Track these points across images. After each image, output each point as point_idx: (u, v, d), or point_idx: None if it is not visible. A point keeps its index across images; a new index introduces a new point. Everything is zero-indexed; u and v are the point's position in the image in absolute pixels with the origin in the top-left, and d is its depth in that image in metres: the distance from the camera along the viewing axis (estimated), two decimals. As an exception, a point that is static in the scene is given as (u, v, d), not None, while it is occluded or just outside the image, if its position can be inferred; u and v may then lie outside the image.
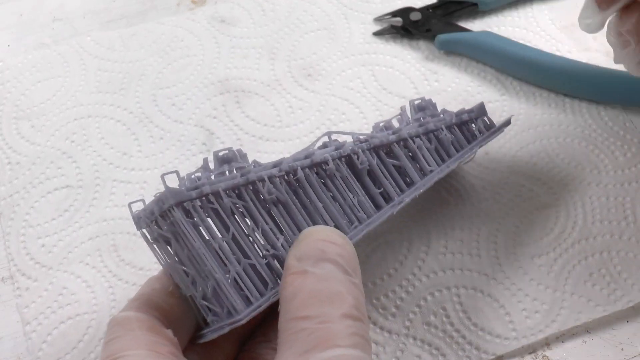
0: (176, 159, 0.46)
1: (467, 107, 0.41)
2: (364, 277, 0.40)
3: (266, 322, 0.33)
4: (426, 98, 0.40)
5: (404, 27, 0.51)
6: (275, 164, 0.32)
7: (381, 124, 0.39)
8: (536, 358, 0.37)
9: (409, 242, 0.41)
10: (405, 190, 0.36)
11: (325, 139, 0.35)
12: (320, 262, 0.28)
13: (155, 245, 0.30)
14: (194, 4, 0.54)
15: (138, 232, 0.42)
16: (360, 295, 0.28)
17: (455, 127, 0.40)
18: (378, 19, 0.52)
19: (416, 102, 0.40)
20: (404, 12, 0.52)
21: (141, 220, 0.30)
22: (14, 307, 0.40)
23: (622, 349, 0.38)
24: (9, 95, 0.49)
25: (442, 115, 0.40)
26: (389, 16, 0.52)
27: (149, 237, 0.30)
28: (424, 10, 0.52)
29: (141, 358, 0.27)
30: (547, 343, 0.38)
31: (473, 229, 0.42)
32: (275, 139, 0.46)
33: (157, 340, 0.28)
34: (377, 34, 0.52)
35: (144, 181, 0.45)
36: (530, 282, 0.39)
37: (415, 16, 0.52)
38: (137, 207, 0.31)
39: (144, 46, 0.52)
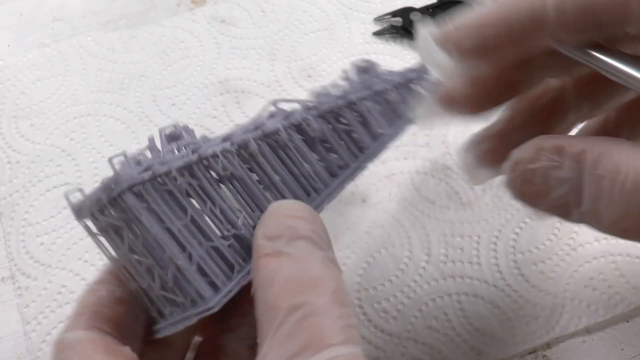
0: (176, 158, 0.46)
1: None
2: (365, 283, 0.40)
3: (225, 309, 0.30)
4: (367, 59, 0.38)
5: (404, 27, 0.51)
6: (225, 138, 0.30)
7: (320, 89, 0.36)
8: (536, 358, 0.37)
9: (409, 251, 0.41)
10: (359, 157, 0.34)
11: (272, 108, 0.33)
12: (293, 240, 0.26)
13: (102, 237, 0.28)
14: (194, 4, 0.54)
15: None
16: (339, 272, 0.26)
17: (403, 87, 0.37)
18: (378, 19, 0.53)
19: (359, 64, 0.37)
20: (404, 12, 0.52)
21: (84, 210, 0.27)
22: (14, 306, 0.40)
23: (622, 349, 0.37)
24: (8, 94, 0.49)
25: (388, 76, 0.37)
26: (389, 16, 0.52)
27: (94, 228, 0.27)
28: (424, 10, 0.52)
29: None
30: (547, 343, 0.38)
31: (473, 236, 0.41)
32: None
33: None
34: (377, 34, 0.52)
35: (144, 180, 0.45)
36: (531, 288, 0.39)
37: (415, 16, 0.52)
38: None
39: (144, 48, 0.52)
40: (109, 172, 0.45)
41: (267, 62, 0.50)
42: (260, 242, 0.27)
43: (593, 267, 0.40)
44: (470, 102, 0.30)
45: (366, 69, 0.37)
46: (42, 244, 0.42)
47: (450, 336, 0.38)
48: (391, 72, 0.37)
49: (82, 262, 0.41)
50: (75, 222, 0.43)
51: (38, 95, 0.49)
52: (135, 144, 0.46)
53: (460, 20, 0.27)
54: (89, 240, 0.42)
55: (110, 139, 0.47)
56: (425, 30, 0.28)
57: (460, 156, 0.32)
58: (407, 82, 0.38)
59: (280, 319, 0.24)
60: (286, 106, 0.33)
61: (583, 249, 0.41)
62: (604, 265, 0.40)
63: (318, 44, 0.51)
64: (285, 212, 0.27)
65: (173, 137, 0.30)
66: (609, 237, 0.41)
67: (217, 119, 0.47)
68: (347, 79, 0.37)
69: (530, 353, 0.37)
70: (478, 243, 0.41)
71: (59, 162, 0.46)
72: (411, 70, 0.38)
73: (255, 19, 0.53)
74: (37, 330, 0.39)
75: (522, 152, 0.26)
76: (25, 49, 0.52)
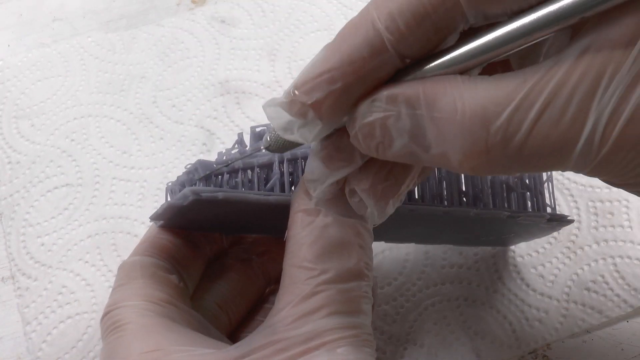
0: (176, 158, 0.46)
1: None
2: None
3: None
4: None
5: (404, 28, 0.51)
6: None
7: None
8: (536, 358, 0.37)
9: (410, 255, 0.41)
10: None
11: None
12: (334, 200, 0.27)
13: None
14: (194, 3, 0.54)
15: (137, 233, 0.43)
16: (369, 240, 0.27)
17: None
18: (378, 20, 0.52)
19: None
20: (404, 13, 0.52)
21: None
22: (14, 307, 0.40)
23: (622, 349, 0.38)
24: (8, 94, 0.49)
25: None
26: (389, 17, 0.52)
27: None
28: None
29: (137, 308, 0.28)
30: (547, 343, 0.38)
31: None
32: (276, 140, 0.46)
33: (157, 288, 0.29)
34: (377, 34, 0.52)
35: (144, 180, 0.45)
36: (532, 293, 0.39)
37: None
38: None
39: (144, 49, 0.52)
40: (108, 172, 0.46)
41: (267, 63, 0.50)
42: (301, 195, 0.27)
43: (593, 270, 0.40)
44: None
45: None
46: (42, 244, 0.42)
47: (449, 340, 0.38)
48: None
49: (83, 262, 0.41)
50: (76, 224, 0.43)
51: (38, 96, 0.49)
52: (136, 145, 0.46)
53: (299, 78, 0.24)
54: (89, 241, 0.42)
55: (111, 140, 0.47)
56: (270, 108, 0.25)
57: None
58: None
59: (302, 279, 0.26)
60: None
61: (582, 252, 0.41)
62: (604, 267, 0.40)
63: (318, 44, 0.51)
64: None
65: (262, 135, 0.31)
66: (608, 239, 0.41)
67: (218, 120, 0.47)
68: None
69: (530, 353, 0.38)
70: (477, 248, 0.41)
71: (59, 162, 0.46)
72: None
73: (255, 19, 0.53)
74: (38, 330, 0.39)
75: (359, 106, 0.24)
76: (25, 49, 0.52)
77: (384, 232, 0.36)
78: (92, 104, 0.49)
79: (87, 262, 0.41)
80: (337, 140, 0.26)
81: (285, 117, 0.24)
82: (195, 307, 0.31)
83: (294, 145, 0.27)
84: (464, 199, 0.33)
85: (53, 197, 0.44)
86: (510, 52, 0.22)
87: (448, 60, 0.23)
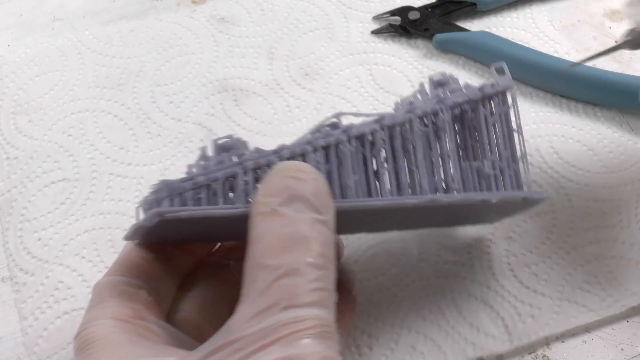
0: (174, 155, 0.46)
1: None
2: (360, 275, 0.40)
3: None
4: (443, 72, 0.35)
5: (403, 26, 0.51)
6: (275, 151, 0.31)
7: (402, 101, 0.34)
8: (536, 358, 0.38)
9: (404, 249, 0.41)
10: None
11: (334, 120, 0.33)
12: (290, 200, 0.27)
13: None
14: (194, 3, 0.54)
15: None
16: (330, 235, 0.27)
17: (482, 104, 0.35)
18: (377, 18, 0.53)
19: (434, 78, 0.35)
20: (403, 11, 0.52)
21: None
22: (13, 306, 0.40)
23: (622, 349, 0.38)
24: (6, 90, 0.49)
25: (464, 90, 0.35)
26: (388, 15, 0.52)
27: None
28: (423, 9, 0.52)
29: (105, 326, 0.28)
30: (547, 343, 0.38)
31: (467, 239, 0.41)
32: (272, 136, 0.47)
33: (125, 305, 0.29)
34: (375, 32, 0.52)
35: (141, 176, 0.45)
36: (526, 290, 0.39)
37: (413, 15, 0.52)
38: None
39: (142, 43, 0.52)
40: (105, 168, 0.46)
41: (266, 61, 0.51)
42: (259, 199, 0.28)
43: (588, 269, 0.40)
44: None
45: (441, 83, 0.35)
46: (39, 239, 0.42)
47: (444, 328, 0.38)
48: (468, 86, 0.35)
49: (80, 258, 0.41)
50: (73, 219, 0.43)
51: (36, 91, 0.49)
52: (133, 142, 0.46)
53: None
54: (86, 236, 0.42)
55: (108, 136, 0.47)
56: (633, 7, 0.32)
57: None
58: (485, 97, 0.35)
59: (260, 277, 0.25)
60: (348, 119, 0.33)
61: (576, 252, 0.41)
62: (599, 267, 0.40)
63: (316, 42, 0.52)
64: (287, 172, 0.28)
65: (225, 147, 0.31)
66: (601, 240, 0.41)
67: (215, 117, 0.48)
68: (421, 92, 0.34)
69: (530, 353, 0.38)
70: (471, 246, 0.41)
71: (56, 157, 0.46)
72: (490, 85, 0.35)
73: (255, 17, 0.53)
74: (34, 325, 0.39)
75: None
76: (25, 49, 0.52)
77: (357, 224, 0.36)
78: (89, 99, 0.49)
79: (83, 257, 0.41)
80: None
81: None
82: (174, 319, 0.32)
83: None
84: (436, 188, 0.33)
85: (50, 192, 0.44)
86: None
87: None
